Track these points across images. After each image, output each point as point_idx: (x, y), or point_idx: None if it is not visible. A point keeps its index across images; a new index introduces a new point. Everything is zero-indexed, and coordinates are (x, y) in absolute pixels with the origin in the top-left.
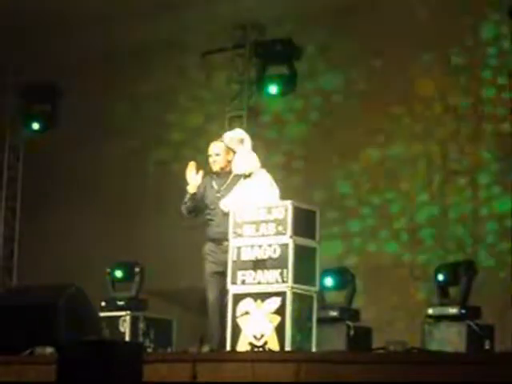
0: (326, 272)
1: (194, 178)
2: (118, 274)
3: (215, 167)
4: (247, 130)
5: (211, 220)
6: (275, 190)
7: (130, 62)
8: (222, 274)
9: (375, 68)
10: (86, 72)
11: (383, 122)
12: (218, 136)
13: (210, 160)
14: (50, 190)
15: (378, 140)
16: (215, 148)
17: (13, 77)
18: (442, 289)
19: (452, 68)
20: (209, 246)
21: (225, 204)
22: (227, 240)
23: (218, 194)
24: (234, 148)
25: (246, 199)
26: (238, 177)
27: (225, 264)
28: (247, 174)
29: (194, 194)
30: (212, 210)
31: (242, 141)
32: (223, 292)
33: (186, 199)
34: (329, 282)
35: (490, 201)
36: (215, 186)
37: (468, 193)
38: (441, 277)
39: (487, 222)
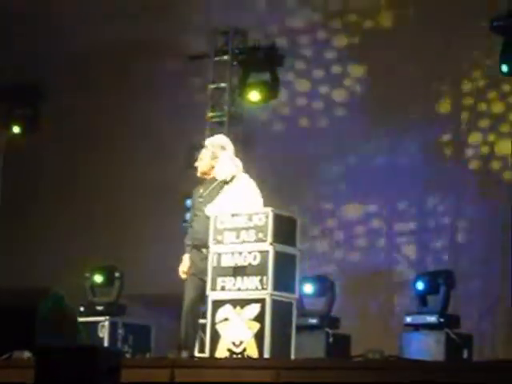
0: (305, 279)
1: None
2: (98, 278)
3: (198, 172)
4: (228, 136)
5: (191, 226)
6: (259, 197)
7: (113, 65)
8: (201, 280)
9: None
10: (70, 74)
11: None
12: (198, 141)
13: (195, 165)
14: (31, 191)
15: None
16: (199, 153)
17: None
18: (421, 297)
19: None
20: (190, 252)
21: (209, 210)
22: (206, 247)
23: (201, 199)
24: (216, 153)
25: (229, 205)
26: (223, 183)
27: (203, 271)
28: (229, 179)
29: None
30: (194, 215)
31: (223, 147)
32: (202, 298)
33: None
34: (308, 289)
35: None
36: (200, 191)
37: None
38: (420, 285)
39: None
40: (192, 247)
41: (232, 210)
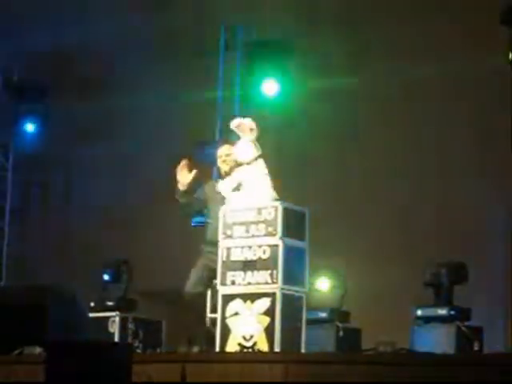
0: (315, 273)
1: (184, 175)
2: (108, 273)
3: (224, 168)
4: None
5: (210, 223)
6: (270, 188)
7: (120, 62)
8: (213, 271)
9: None
10: (76, 72)
11: None
12: (208, 137)
13: (219, 161)
14: (40, 190)
15: None
16: (226, 149)
17: (3, 75)
18: (431, 289)
19: None
20: (206, 247)
21: (222, 187)
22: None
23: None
24: (241, 134)
25: (242, 190)
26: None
27: (216, 262)
28: (247, 162)
29: (185, 191)
30: (211, 211)
31: (251, 130)
32: (204, 281)
33: (176, 196)
34: (319, 282)
35: None
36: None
37: None
38: (427, 277)
39: None
40: (209, 242)
41: (243, 200)
